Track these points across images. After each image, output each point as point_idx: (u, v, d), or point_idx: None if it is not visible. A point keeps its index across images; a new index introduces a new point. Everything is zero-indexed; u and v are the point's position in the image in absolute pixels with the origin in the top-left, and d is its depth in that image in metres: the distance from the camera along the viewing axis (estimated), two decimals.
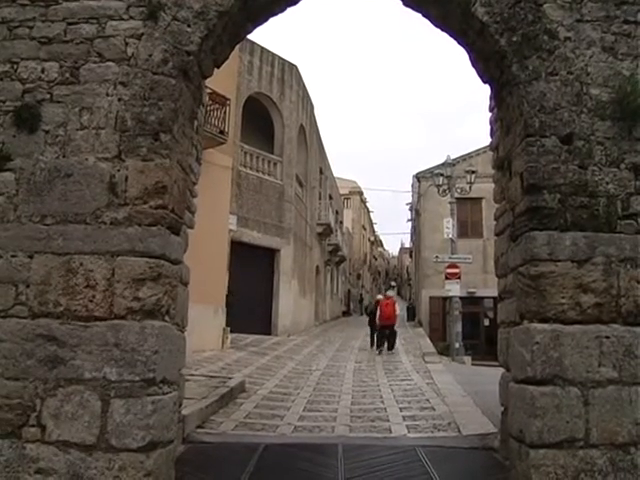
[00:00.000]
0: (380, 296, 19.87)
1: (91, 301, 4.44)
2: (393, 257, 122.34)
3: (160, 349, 4.46)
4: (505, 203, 5.53)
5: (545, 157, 4.67)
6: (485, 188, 23.02)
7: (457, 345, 18.20)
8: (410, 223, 55.41)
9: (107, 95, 4.71)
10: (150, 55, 4.76)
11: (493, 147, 5.99)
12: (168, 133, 4.69)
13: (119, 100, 4.69)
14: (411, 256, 56.67)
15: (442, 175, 20.43)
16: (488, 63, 5.16)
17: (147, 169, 4.60)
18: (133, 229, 4.53)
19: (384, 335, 16.62)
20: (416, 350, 17.32)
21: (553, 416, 4.35)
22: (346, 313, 47.81)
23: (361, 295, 53.41)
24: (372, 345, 17.76)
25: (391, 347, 16.60)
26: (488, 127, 6.12)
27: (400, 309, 18.80)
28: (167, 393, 4.55)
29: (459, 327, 18.36)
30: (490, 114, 6.02)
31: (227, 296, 14.92)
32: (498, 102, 5.44)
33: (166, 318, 4.62)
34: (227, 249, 15.71)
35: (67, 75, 4.77)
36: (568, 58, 4.78)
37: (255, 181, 19.73)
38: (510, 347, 5.02)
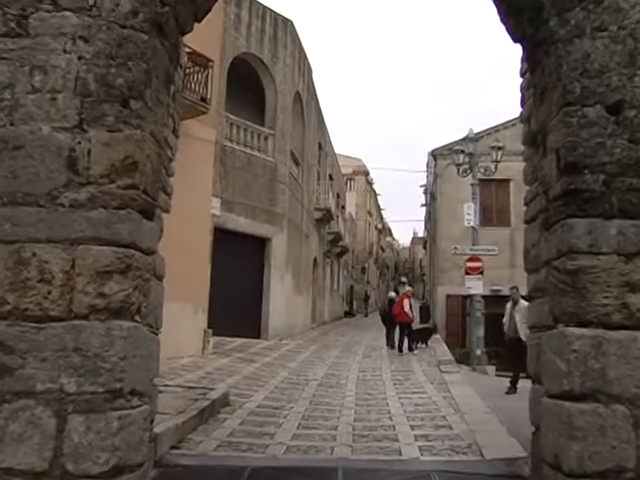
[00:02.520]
0: (392, 293, 21.53)
1: (46, 298, 4.38)
2: (404, 248, 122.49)
3: (129, 355, 4.43)
4: (537, 185, 5.48)
5: (587, 130, 4.60)
6: (514, 167, 23.04)
7: (478, 352, 18.26)
8: (424, 209, 55.45)
9: (64, 52, 4.60)
10: (117, 4, 4.66)
11: (524, 119, 5.92)
12: (139, 99, 4.64)
13: (79, 59, 4.60)
14: (425, 247, 56.70)
15: (463, 152, 20.40)
16: (521, 17, 5.08)
17: (114, 142, 4.55)
18: (97, 213, 4.48)
19: (402, 334, 18.72)
20: (430, 357, 17.39)
21: (596, 440, 4.28)
22: (349, 313, 47.91)
23: (366, 292, 53.35)
24: (388, 345, 20.16)
25: (400, 348, 18.42)
26: (518, 95, 6.06)
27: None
28: (137, 407, 4.52)
29: (481, 331, 18.43)
30: (521, 79, 5.95)
31: None
32: (531, 65, 5.37)
33: (137, 318, 4.59)
34: (209, 238, 15.69)
35: (12, 25, 4.65)
36: (621, 9, 4.66)
37: (242, 158, 19.67)
38: (542, 355, 4.99)
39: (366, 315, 48.88)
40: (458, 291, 23.48)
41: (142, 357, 4.63)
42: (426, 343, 20.73)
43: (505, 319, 12.34)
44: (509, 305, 12.34)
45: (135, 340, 4.53)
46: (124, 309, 4.47)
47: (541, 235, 5.26)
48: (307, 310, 27.47)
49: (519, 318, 11.59)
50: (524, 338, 10.61)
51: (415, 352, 18.92)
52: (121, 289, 4.45)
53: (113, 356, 4.35)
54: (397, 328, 19.55)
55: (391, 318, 20.35)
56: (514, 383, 11.68)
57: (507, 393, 11.34)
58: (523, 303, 11.28)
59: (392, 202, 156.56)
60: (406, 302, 18.99)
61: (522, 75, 5.91)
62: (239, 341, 17.45)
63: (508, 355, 12.24)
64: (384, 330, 21.61)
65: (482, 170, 20.38)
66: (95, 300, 4.39)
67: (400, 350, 18.47)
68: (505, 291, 24.43)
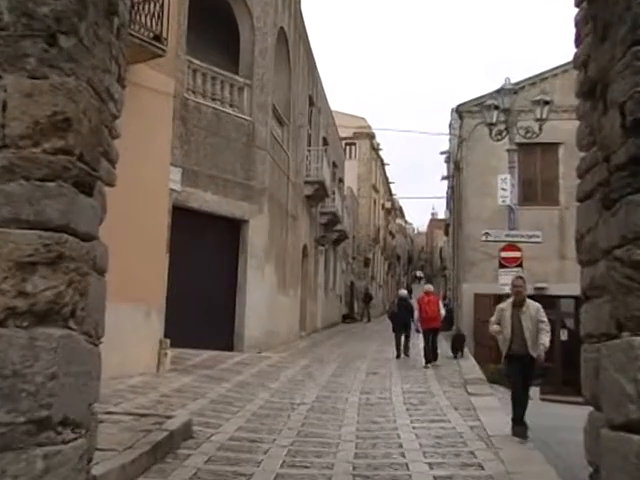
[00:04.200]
0: (404, 291, 22.14)
1: None
2: (419, 234, 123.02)
3: (60, 372, 4.41)
4: (596, 151, 5.46)
5: None
6: (564, 128, 23.04)
7: None
8: (446, 182, 55.54)
9: None
10: None
11: (579, 63, 5.90)
12: (72, 35, 4.60)
13: None
14: (447, 233, 56.86)
15: (497, 108, 20.33)
16: None
17: (38, 92, 4.51)
18: (17, 186, 4.45)
19: (428, 342, 19.69)
20: (454, 375, 17.44)
21: None
22: (348, 317, 48.02)
23: (367, 290, 52.95)
24: (398, 356, 21.47)
25: (434, 357, 19.60)
26: (572, 32, 6.03)
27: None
28: (69, 441, 4.50)
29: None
30: (576, 10, 5.92)
31: None
32: None
33: (70, 324, 4.58)
34: (166, 219, 15.64)
35: None
36: None
37: (210, 116, 19.63)
38: (601, 374, 4.99)
39: (368, 320, 49.00)
40: (490, 289, 23.47)
41: (77, 375, 4.62)
42: (461, 353, 21.69)
43: (497, 327, 10.93)
44: (506, 306, 10.98)
45: (68, 353, 4.51)
46: (53, 312, 4.45)
47: (600, 216, 5.25)
48: (294, 314, 27.50)
49: (528, 326, 10.52)
50: (535, 354, 10.42)
51: (436, 363, 19.43)
52: (49, 286, 4.44)
53: (38, 374, 4.32)
54: (412, 334, 20.79)
55: (402, 321, 21.21)
56: (517, 420, 10.35)
57: (514, 434, 10.04)
58: (533, 305, 10.76)
59: (404, 174, 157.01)
60: (441, 304, 20.42)
61: (578, 4, 5.88)
62: (205, 354, 17.45)
63: (514, 379, 10.88)
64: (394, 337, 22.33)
65: (522, 132, 20.32)
66: (14, 301, 4.37)
67: (430, 362, 19.41)
68: (553, 289, 24.64)
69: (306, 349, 24.47)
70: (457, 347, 21.88)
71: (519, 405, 10.46)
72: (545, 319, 10.67)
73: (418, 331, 20.58)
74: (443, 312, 20.70)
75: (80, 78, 4.68)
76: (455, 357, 21.53)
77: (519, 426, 10.18)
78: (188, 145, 18.68)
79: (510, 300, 11.09)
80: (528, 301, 10.83)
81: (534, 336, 10.43)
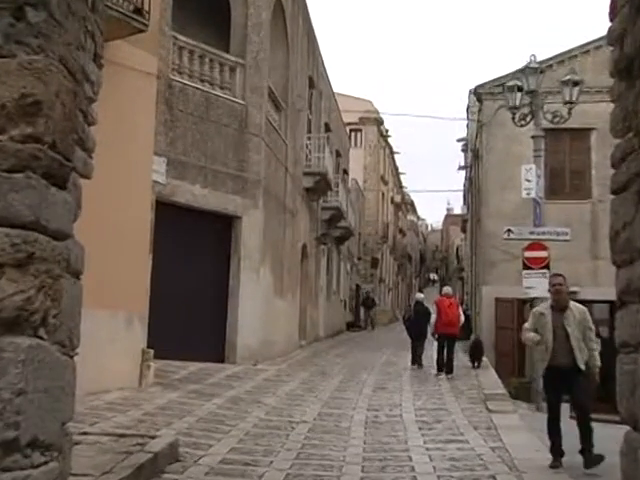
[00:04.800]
0: (421, 295, 22.66)
1: None
2: (433, 231, 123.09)
3: (28, 388, 4.40)
4: (632, 137, 5.45)
5: None
6: (597, 112, 23.03)
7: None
8: (463, 173, 55.56)
9: None
10: None
11: (613, 38, 5.88)
12: (41, 8, 4.60)
13: None
14: (464, 230, 56.84)
15: (521, 89, 20.31)
16: None
17: (4, 72, 4.51)
18: None
19: (442, 349, 20.54)
20: (472, 390, 17.47)
21: None
22: (353, 325, 48.03)
23: (368, 294, 52.59)
24: (414, 362, 22.47)
25: (450, 369, 20.18)
26: (606, 3, 6.01)
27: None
28: (39, 465, 4.49)
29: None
30: None
31: None
32: None
33: (41, 333, 4.58)
34: (150, 216, 15.66)
35: None
36: None
37: (198, 99, 19.66)
38: (639, 388, 4.97)
39: (372, 328, 48.98)
40: (512, 293, 23.55)
41: (49, 391, 4.61)
42: (478, 363, 21.95)
43: (533, 335, 10.37)
44: (545, 309, 10.44)
45: (38, 365, 4.51)
46: (22, 320, 4.44)
47: (637, 211, 5.24)
48: (293, 321, 27.58)
49: (574, 333, 9.98)
50: (583, 366, 9.88)
51: (448, 376, 19.85)
52: (17, 290, 4.43)
53: (4, 390, 4.31)
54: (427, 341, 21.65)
55: (419, 327, 21.90)
56: (556, 451, 9.89)
57: (551, 466, 9.62)
58: (578, 308, 10.22)
59: (416, 164, 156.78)
60: (461, 310, 21.25)
61: None
62: (193, 366, 17.48)
63: (553, 398, 10.31)
64: (409, 346, 23.12)
65: (549, 116, 20.29)
66: None
67: (449, 371, 20.22)
68: (584, 294, 24.48)
69: (306, 360, 24.51)
70: (476, 355, 22.17)
71: (555, 430, 10.01)
72: (593, 325, 10.21)
73: (433, 335, 21.19)
74: (462, 318, 21.30)
75: (51, 56, 4.68)
76: (473, 366, 21.81)
77: (589, 454, 9.61)
78: (174, 132, 18.69)
79: (549, 302, 10.57)
80: (572, 303, 10.28)
81: (581, 345, 9.93)
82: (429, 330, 21.59)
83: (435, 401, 15.75)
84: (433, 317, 21.21)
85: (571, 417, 10.58)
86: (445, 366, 20.40)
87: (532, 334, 10.38)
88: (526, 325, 10.73)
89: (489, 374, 20.62)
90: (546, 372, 10.35)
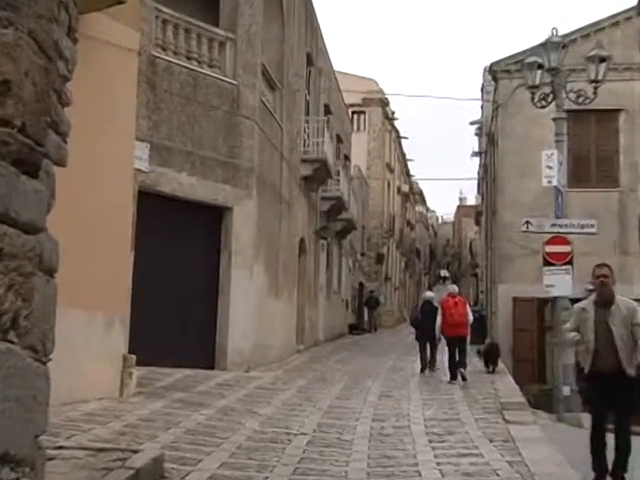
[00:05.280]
0: (430, 293, 23.00)
1: None
2: (444, 224, 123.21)
3: None
4: None
5: None
6: (626, 91, 22.98)
7: (567, 391, 18.18)
8: (477, 160, 55.45)
9: None
10: None
11: None
12: None
13: None
14: (478, 222, 56.82)
15: (541, 67, 20.25)
16: None
17: None
18: None
19: (454, 353, 20.69)
20: (487, 398, 17.43)
21: None
22: (356, 327, 48.04)
23: (372, 294, 52.41)
24: (423, 369, 22.72)
25: (461, 374, 20.36)
26: None
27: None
28: None
29: (571, 357, 18.31)
30: None
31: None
32: None
33: (11, 336, 4.55)
34: (131, 207, 15.61)
35: None
36: None
37: (184, 78, 19.60)
38: None
39: (375, 330, 49.02)
40: (532, 292, 23.57)
41: (20, 400, 4.59)
42: (493, 368, 22.30)
43: (574, 334, 9.98)
44: (587, 305, 9.97)
45: (8, 372, 4.49)
46: None
47: None
48: (290, 323, 27.55)
49: (620, 332, 9.46)
50: (633, 371, 9.36)
51: (461, 383, 19.95)
52: None
53: None
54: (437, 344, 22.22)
55: (427, 328, 21.95)
56: (601, 472, 9.60)
57: None
58: (625, 303, 9.74)
59: (425, 150, 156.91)
60: (469, 308, 21.71)
61: None
62: (180, 373, 17.43)
63: (596, 408, 9.86)
64: (417, 350, 23.42)
65: (573, 96, 20.24)
66: None
67: (456, 378, 20.37)
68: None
69: (305, 366, 24.48)
70: (492, 359, 22.45)
71: (600, 447, 9.55)
72: None
73: (439, 339, 21.79)
74: (471, 317, 21.57)
75: (20, 30, 4.64)
76: (488, 371, 22.10)
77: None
78: (157, 115, 18.64)
79: (592, 297, 10.05)
80: (618, 298, 9.76)
81: (629, 347, 9.38)
82: (437, 332, 21.69)
83: (446, 411, 15.69)
84: (439, 319, 21.35)
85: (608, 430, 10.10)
86: (456, 370, 20.53)
87: (572, 333, 10.00)
88: (567, 325, 10.28)
89: (506, 381, 20.64)
90: (587, 378, 9.98)
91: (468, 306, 22.23)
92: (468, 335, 21.42)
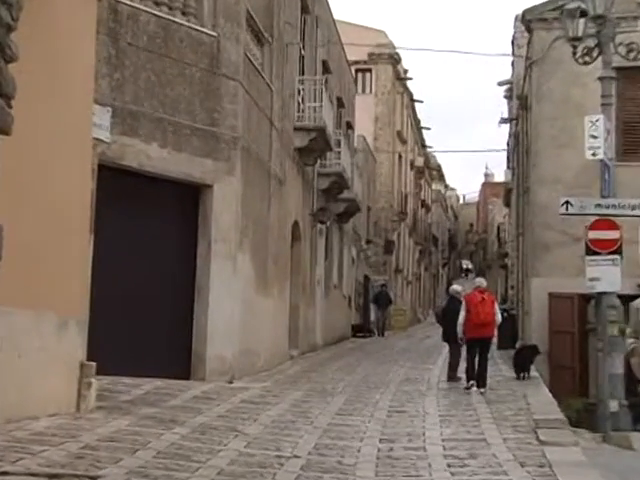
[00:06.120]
0: (457, 287, 23.19)
1: None
2: (467, 205, 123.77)
3: None
4: None
5: None
6: None
7: (614, 407, 18.19)
8: (507, 129, 55.58)
9: None
10: None
11: None
12: None
13: None
14: (507, 203, 57.03)
15: (584, 14, 20.11)
16: None
17: None
18: None
19: (474, 358, 21.21)
20: (518, 415, 17.44)
21: None
22: (361, 329, 48.22)
23: (382, 287, 52.49)
24: (450, 378, 23.19)
25: (483, 382, 20.82)
26: None
27: None
28: None
29: (619, 366, 18.32)
30: None
31: None
32: None
33: None
34: (90, 184, 15.56)
35: None
36: None
37: (153, 28, 19.68)
38: None
39: (382, 334, 49.21)
40: (572, 286, 23.61)
41: None
42: (527, 372, 22.83)
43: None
44: None
45: None
46: None
47: None
48: (281, 324, 27.77)
49: None
50: None
51: (482, 390, 20.44)
52: None
53: None
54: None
55: (448, 329, 22.70)
56: None
57: None
58: None
59: (444, 117, 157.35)
60: (497, 306, 21.78)
61: None
62: (149, 384, 17.51)
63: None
64: (436, 356, 23.23)
65: (623, 50, 20.14)
66: None
67: (480, 385, 20.83)
68: None
69: (299, 375, 24.67)
70: (524, 364, 22.82)
71: None
72: None
73: (461, 340, 21.89)
74: (499, 317, 21.97)
75: None
76: (518, 378, 22.49)
77: None
78: (121, 73, 18.67)
79: None
80: None
81: None
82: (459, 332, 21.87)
83: (469, 429, 15.71)
84: (461, 315, 21.39)
85: None
86: (477, 377, 20.81)
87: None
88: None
89: (541, 393, 20.70)
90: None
91: (497, 304, 22.36)
92: (495, 338, 21.52)
